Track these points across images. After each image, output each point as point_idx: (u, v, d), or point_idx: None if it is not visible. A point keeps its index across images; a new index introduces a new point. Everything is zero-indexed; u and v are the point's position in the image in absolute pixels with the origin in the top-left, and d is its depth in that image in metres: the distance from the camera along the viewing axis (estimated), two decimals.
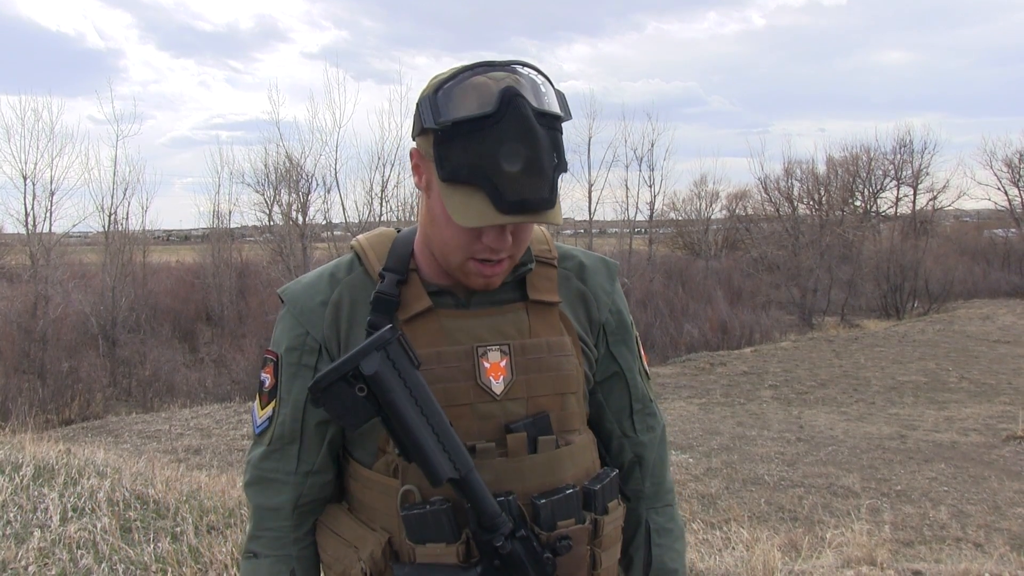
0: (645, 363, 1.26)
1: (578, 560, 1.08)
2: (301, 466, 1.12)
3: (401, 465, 1.06)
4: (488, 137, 0.94)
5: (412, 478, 1.06)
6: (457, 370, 1.07)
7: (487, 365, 1.08)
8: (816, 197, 30.62)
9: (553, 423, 1.09)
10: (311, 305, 1.12)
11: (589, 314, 1.18)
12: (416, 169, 1.07)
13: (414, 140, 1.06)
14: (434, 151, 0.98)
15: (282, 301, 1.14)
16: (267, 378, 1.14)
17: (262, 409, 1.15)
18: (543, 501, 1.05)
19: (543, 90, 1.00)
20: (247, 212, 24.13)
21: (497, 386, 1.07)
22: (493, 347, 1.08)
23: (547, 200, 0.96)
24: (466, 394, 1.06)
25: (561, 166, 0.98)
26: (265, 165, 22.27)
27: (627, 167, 26.93)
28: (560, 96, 1.02)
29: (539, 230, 1.21)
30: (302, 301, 1.12)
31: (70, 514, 3.94)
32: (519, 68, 1.01)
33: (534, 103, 0.95)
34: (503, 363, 1.08)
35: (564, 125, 1.01)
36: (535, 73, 1.01)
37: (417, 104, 1.01)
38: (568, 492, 1.07)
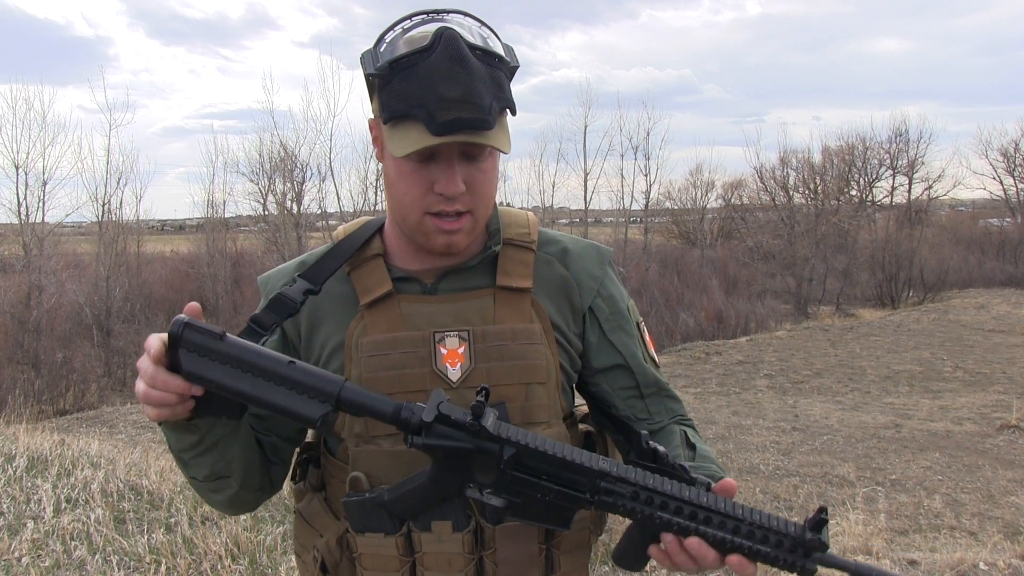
0: (651, 350, 1.20)
1: (528, 558, 1.04)
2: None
3: (352, 452, 1.05)
4: (422, 69, 0.95)
5: (361, 465, 1.05)
6: (413, 356, 1.04)
7: (444, 351, 1.05)
8: (812, 186, 30.66)
9: (514, 414, 1.04)
10: (274, 291, 1.12)
11: (571, 301, 1.12)
12: (375, 141, 1.07)
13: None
14: (378, 98, 1.00)
15: None
16: None
17: None
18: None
19: (482, 33, 1.01)
20: (242, 202, 24.04)
21: (454, 373, 1.04)
22: (451, 333, 1.05)
23: (483, 120, 0.95)
24: (421, 381, 1.04)
25: (503, 101, 0.98)
26: (259, 154, 22.22)
27: (622, 156, 26.92)
28: (507, 47, 1.03)
29: (522, 215, 1.17)
30: (269, 285, 1.15)
31: (64, 505, 3.93)
32: (458, 16, 1.02)
33: (469, 39, 0.96)
34: (461, 350, 1.05)
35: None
36: (477, 23, 1.03)
37: (360, 60, 1.02)
38: None
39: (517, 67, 1.02)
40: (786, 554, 0.86)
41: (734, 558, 0.86)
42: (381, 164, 1.08)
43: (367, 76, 1.01)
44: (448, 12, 1.02)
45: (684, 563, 0.89)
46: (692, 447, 1.09)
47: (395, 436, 1.03)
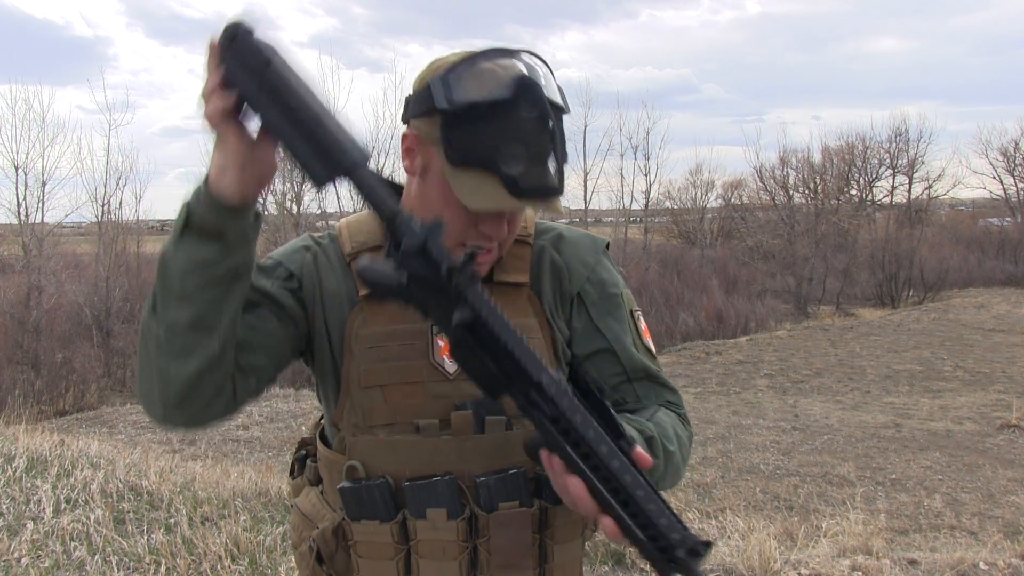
0: (646, 340, 1.17)
1: (522, 547, 1.05)
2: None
3: (349, 441, 1.06)
4: (503, 122, 0.94)
5: (358, 454, 1.06)
6: (411, 348, 1.06)
7: (442, 344, 1.06)
8: (812, 186, 30.66)
9: (508, 405, 1.03)
10: (291, 248, 1.13)
11: (561, 287, 1.13)
12: (408, 152, 1.05)
13: (406, 123, 1.05)
14: (442, 133, 0.97)
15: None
16: None
17: None
18: (482, 479, 1.03)
19: (553, 83, 1.01)
20: None
21: (451, 366, 1.05)
22: None
23: (557, 188, 0.98)
24: (419, 372, 1.05)
25: (565, 157, 1.00)
26: None
27: (622, 156, 26.92)
28: (560, 89, 1.02)
29: None
30: (285, 250, 1.14)
31: (63, 506, 3.93)
32: (526, 56, 1.01)
33: (547, 94, 0.97)
34: None
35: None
36: (542, 64, 1.02)
37: (427, 86, 0.98)
38: (512, 472, 1.03)
39: (569, 112, 1.03)
40: (654, 551, 0.84)
41: (608, 521, 0.85)
42: (410, 175, 1.07)
43: (438, 109, 0.96)
44: (519, 52, 1.00)
45: (559, 487, 0.89)
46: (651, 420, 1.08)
47: (392, 426, 1.05)
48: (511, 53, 1.00)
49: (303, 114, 0.86)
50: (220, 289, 0.94)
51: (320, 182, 0.87)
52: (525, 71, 0.96)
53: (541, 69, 1.00)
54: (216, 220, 0.91)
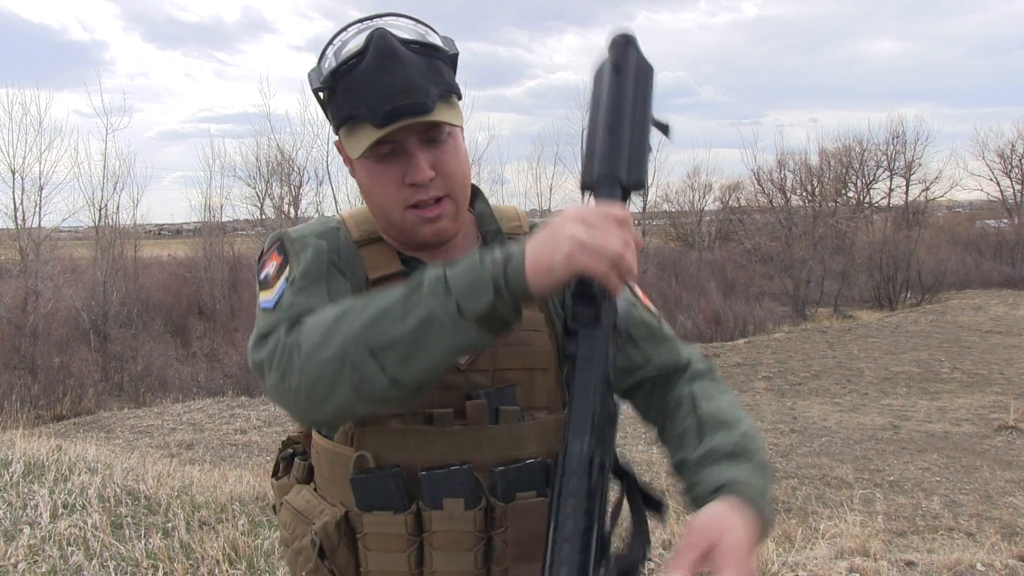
0: (645, 302, 1.17)
1: (539, 538, 1.01)
2: (333, 297, 1.01)
3: (356, 432, 1.05)
4: (359, 72, 1.00)
5: (368, 445, 1.04)
6: None
7: None
8: (809, 188, 30.66)
9: (519, 398, 1.06)
10: (325, 229, 1.11)
11: None
12: (346, 161, 1.10)
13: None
14: (329, 110, 1.05)
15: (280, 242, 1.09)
16: (272, 262, 1.07)
17: (271, 289, 1.04)
18: (500, 469, 1.03)
19: (417, 29, 1.06)
20: (239, 206, 23.97)
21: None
22: None
23: (421, 104, 0.99)
24: None
25: (443, 85, 1.02)
26: (256, 158, 22.23)
27: None
28: (445, 38, 1.07)
29: (511, 209, 1.20)
30: (312, 226, 1.12)
31: (60, 511, 3.92)
32: (391, 17, 1.06)
33: (401, 35, 1.02)
34: None
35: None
36: (411, 21, 1.07)
37: (307, 77, 1.06)
38: (529, 462, 1.03)
39: (456, 54, 1.07)
40: None
41: None
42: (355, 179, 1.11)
43: (314, 92, 1.05)
44: (382, 16, 1.06)
45: None
46: (699, 420, 1.05)
47: (403, 416, 1.04)
48: (371, 18, 1.06)
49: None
50: (451, 363, 0.92)
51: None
52: (375, 26, 1.02)
53: (400, 22, 1.05)
54: (513, 314, 0.87)
